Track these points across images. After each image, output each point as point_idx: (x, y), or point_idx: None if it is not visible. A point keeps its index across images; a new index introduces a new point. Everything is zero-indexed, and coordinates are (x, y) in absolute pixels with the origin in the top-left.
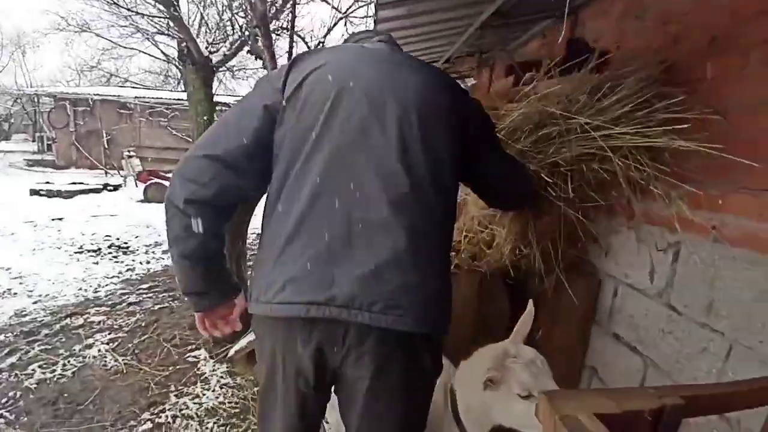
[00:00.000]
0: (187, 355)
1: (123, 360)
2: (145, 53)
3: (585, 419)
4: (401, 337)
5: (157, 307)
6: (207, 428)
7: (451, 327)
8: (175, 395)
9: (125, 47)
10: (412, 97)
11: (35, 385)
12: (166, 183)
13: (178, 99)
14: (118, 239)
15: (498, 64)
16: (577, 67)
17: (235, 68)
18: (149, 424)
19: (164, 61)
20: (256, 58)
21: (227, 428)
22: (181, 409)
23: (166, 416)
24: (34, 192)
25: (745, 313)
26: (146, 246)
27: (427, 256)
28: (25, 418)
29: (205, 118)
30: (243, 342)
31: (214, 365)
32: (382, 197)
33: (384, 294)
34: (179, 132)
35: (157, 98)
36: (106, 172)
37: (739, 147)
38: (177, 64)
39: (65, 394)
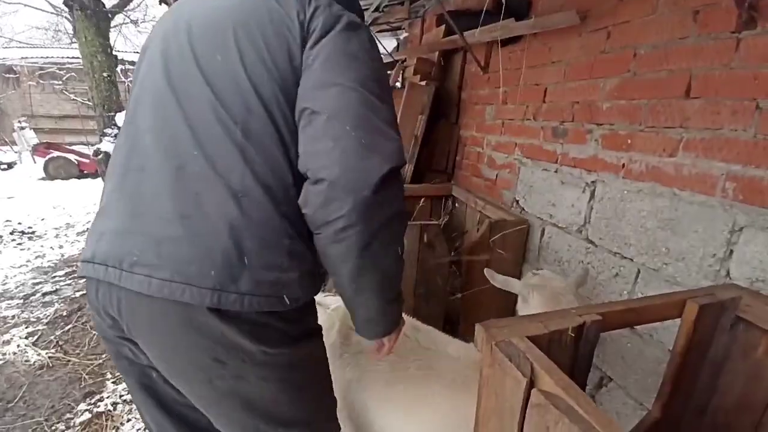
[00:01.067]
0: None
1: (47, 353)
2: (29, 6)
3: (518, 342)
4: (182, 309)
5: (78, 294)
6: None
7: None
8: (113, 382)
9: (7, 2)
10: (244, 16)
11: None
12: (70, 156)
13: (73, 57)
14: (20, 224)
15: (429, 15)
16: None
17: (139, 20)
18: (87, 415)
19: (52, 13)
20: (160, 2)
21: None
22: (121, 395)
23: (105, 404)
24: None
25: (650, 240)
26: (56, 229)
27: (216, 207)
28: None
29: (104, 74)
30: None
31: None
32: (159, 139)
33: (132, 247)
34: (79, 96)
35: (47, 57)
36: None
37: (645, 88)
38: (66, 14)
39: None
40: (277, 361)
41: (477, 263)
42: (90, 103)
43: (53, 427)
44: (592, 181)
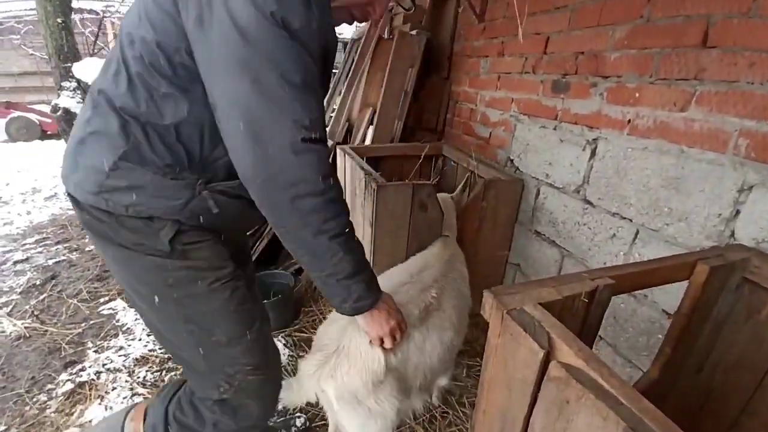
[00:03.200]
0: (101, 308)
1: (23, 324)
2: None
3: (531, 310)
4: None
5: (51, 262)
6: (139, 378)
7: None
8: (95, 351)
9: None
10: None
11: None
12: (31, 116)
13: (31, 8)
14: None
15: None
16: None
17: None
18: (70, 385)
19: None
20: None
21: (162, 373)
22: (104, 364)
23: (88, 374)
24: None
25: (653, 200)
26: (22, 194)
27: (82, 115)
28: None
29: (58, 20)
30: None
31: (136, 314)
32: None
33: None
34: (37, 51)
35: (4, 12)
36: None
37: (659, 36)
38: None
39: None
40: (117, 264)
41: (468, 224)
42: (47, 57)
43: (34, 399)
44: (594, 139)
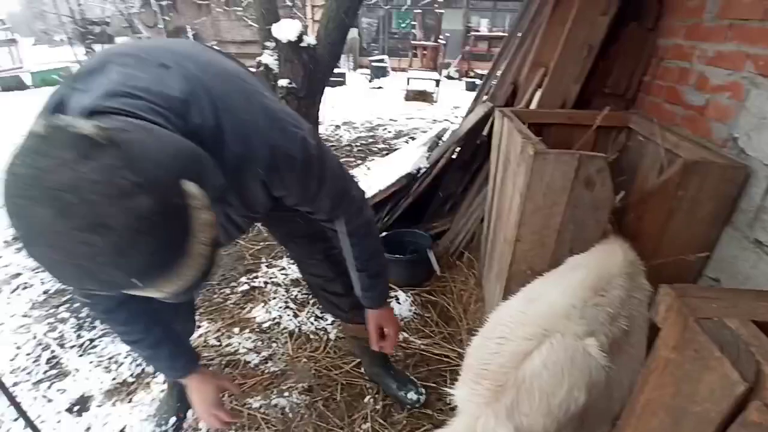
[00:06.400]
0: None
1: None
2: None
3: (738, 326)
4: None
5: None
6: (292, 294)
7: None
8: (266, 266)
9: None
10: None
11: None
12: None
13: None
14: None
15: None
16: None
17: None
18: (246, 286)
19: None
20: None
21: (309, 297)
22: (271, 278)
23: (259, 281)
24: None
25: None
26: None
27: None
28: None
29: None
30: None
31: None
32: None
33: None
34: (256, 22)
35: None
36: None
37: None
38: None
39: None
40: None
41: (650, 215)
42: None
43: (221, 291)
44: None
